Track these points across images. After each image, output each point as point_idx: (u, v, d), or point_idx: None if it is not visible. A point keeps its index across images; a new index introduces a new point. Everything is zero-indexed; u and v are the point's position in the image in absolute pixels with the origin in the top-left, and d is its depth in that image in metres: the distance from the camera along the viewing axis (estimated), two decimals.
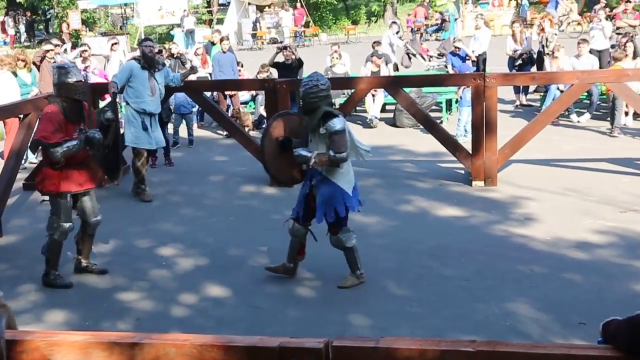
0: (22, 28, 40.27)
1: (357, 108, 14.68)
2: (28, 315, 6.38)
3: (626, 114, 13.63)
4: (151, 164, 11.56)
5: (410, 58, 18.69)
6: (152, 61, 9.80)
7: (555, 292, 6.45)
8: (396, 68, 17.33)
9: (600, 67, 15.38)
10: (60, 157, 6.72)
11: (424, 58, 19.01)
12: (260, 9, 37.97)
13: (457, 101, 14.48)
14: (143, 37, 31.44)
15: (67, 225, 7.02)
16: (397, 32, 19.61)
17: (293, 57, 13.93)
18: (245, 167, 11.24)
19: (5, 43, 35.29)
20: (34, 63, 13.17)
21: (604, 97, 14.44)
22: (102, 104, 11.68)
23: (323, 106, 6.44)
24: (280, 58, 14.06)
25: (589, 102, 14.17)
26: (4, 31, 38.44)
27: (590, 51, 15.85)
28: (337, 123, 6.35)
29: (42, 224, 9.03)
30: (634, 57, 13.65)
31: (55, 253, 7.08)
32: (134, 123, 9.74)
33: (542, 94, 15.00)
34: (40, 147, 6.88)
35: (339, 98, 14.54)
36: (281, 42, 29.87)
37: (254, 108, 15.44)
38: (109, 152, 7.22)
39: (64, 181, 6.88)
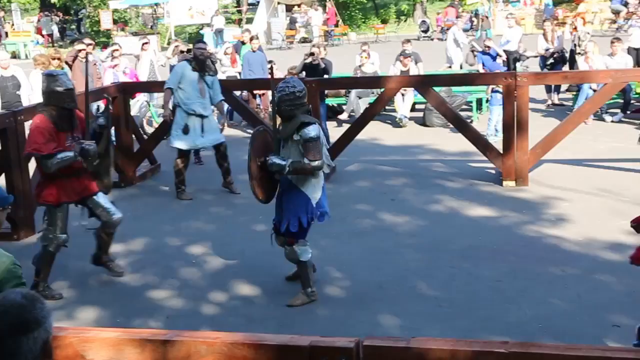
0: (54, 28, 40.68)
1: (386, 107, 14.63)
2: (60, 312, 6.45)
3: None
4: (195, 161, 11.64)
5: (475, 56, 18.20)
6: (204, 64, 9.76)
7: (588, 294, 6.38)
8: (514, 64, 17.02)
9: (639, 65, 15.19)
10: (54, 169, 6.56)
11: (520, 55, 18.41)
12: (289, 8, 38.03)
13: (487, 100, 14.38)
14: (173, 36, 31.74)
15: (62, 236, 6.88)
16: (425, 31, 19.29)
17: (319, 59, 13.90)
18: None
19: (38, 43, 35.67)
20: (66, 62, 13.30)
21: (638, 96, 14.27)
22: (132, 102, 11.79)
23: (299, 114, 6.24)
24: (307, 60, 14.09)
25: (622, 101, 14.00)
26: (39, 31, 38.87)
27: (628, 49, 15.69)
28: (312, 130, 6.17)
29: (74, 221, 9.15)
30: None
31: (47, 264, 6.91)
32: (179, 124, 9.72)
33: (574, 93, 14.84)
34: (34, 159, 6.73)
35: (368, 98, 14.53)
36: (311, 41, 29.85)
37: None
38: (100, 160, 6.89)
39: (63, 191, 6.73)
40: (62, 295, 6.94)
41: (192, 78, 9.69)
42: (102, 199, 6.98)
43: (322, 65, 13.16)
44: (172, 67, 13.49)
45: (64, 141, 6.62)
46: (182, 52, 14.51)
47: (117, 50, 14.83)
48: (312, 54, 13.25)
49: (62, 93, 6.61)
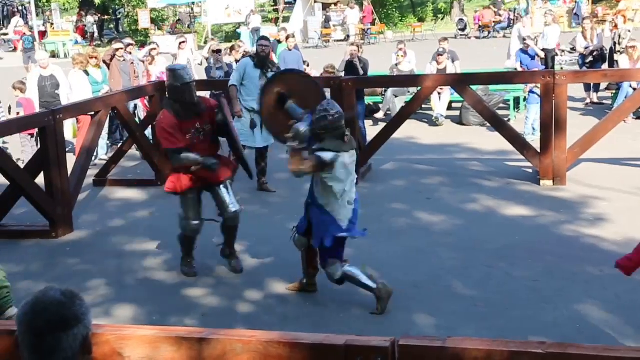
0: (94, 27, 41.17)
1: (423, 106, 14.57)
2: (97, 310, 6.51)
3: None
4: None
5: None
6: (265, 60, 9.81)
7: (626, 294, 6.29)
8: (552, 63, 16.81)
9: None
10: (177, 164, 6.98)
11: (556, 53, 18.18)
12: (326, 6, 38.03)
13: (525, 99, 14.25)
14: (210, 35, 31.91)
15: (194, 223, 7.18)
16: (463, 29, 19.05)
17: (358, 58, 13.86)
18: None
19: (77, 42, 36.11)
20: (104, 61, 13.46)
21: None
22: None
23: (328, 139, 6.02)
24: (346, 57, 14.06)
25: None
26: (79, 30, 39.36)
27: None
28: (326, 154, 5.98)
29: (112, 220, 9.28)
30: None
31: (185, 245, 7.34)
32: (242, 120, 9.75)
33: (613, 91, 14.64)
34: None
35: (404, 96, 14.47)
36: (347, 40, 29.77)
37: None
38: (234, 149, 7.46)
39: (186, 179, 7.02)
40: (196, 273, 7.27)
41: (254, 75, 9.73)
42: (224, 190, 7.21)
43: (360, 70, 13.13)
44: (208, 68, 13.58)
45: (186, 131, 6.91)
46: (245, 52, 14.62)
47: (154, 49, 14.96)
48: (351, 53, 13.21)
49: (179, 87, 6.91)
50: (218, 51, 13.26)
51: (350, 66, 12.99)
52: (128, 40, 15.48)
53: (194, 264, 7.36)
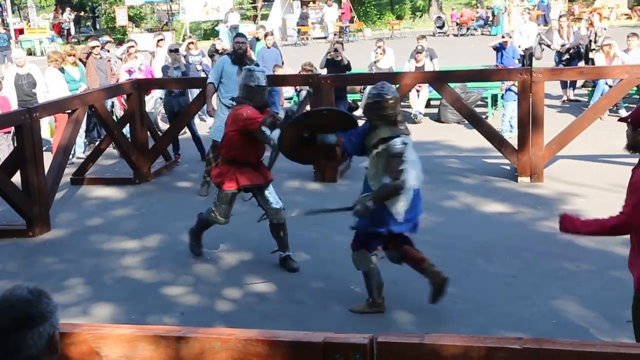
0: (70, 24, 40.90)
1: (402, 103, 14.59)
2: (75, 309, 6.49)
3: None
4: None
5: (542, 49, 17.62)
6: (242, 57, 9.82)
7: (602, 290, 6.35)
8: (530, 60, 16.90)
9: None
10: (279, 140, 6.67)
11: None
12: (304, 4, 38.02)
13: (502, 96, 14.33)
14: (188, 33, 31.79)
15: (221, 219, 7.38)
16: (441, 27, 19.17)
17: (339, 58, 13.88)
18: (289, 162, 11.24)
19: (53, 39, 35.82)
20: (80, 59, 13.37)
21: None
22: (146, 98, 11.82)
23: (383, 125, 5.74)
24: (329, 55, 14.08)
25: (639, 96, 13.91)
26: (55, 28, 39.07)
27: None
28: (394, 146, 5.64)
29: (90, 219, 9.23)
30: None
31: (203, 227, 7.57)
32: (220, 117, 9.75)
33: (590, 89, 14.77)
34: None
35: None
36: (325, 37, 29.78)
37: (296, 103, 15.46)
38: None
39: (234, 179, 7.18)
40: (201, 252, 7.57)
41: (232, 71, 9.75)
42: (269, 191, 7.37)
43: (345, 62, 13.14)
44: (165, 67, 13.49)
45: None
46: (223, 50, 14.60)
47: (132, 47, 14.88)
48: (335, 49, 13.21)
49: (253, 88, 7.08)
50: (175, 50, 13.15)
51: (333, 64, 12.99)
52: (105, 38, 15.39)
53: (200, 244, 7.65)
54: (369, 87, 5.93)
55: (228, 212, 7.36)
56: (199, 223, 7.58)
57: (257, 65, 10.20)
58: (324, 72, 13.44)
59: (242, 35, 10.67)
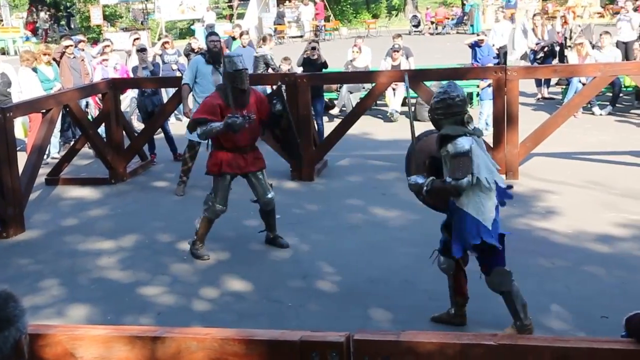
0: (47, 24, 40.55)
1: (378, 102, 14.64)
2: (50, 310, 6.44)
3: None
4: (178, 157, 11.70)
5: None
6: (217, 56, 9.77)
7: (577, 286, 6.41)
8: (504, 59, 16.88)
9: (627, 59, 15.26)
10: (202, 136, 7.31)
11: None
12: (280, 3, 37.97)
13: (477, 95, 14.40)
14: (164, 32, 31.64)
15: (218, 207, 7.48)
16: (417, 26, 19.17)
17: (315, 56, 13.87)
18: (267, 160, 11.23)
19: (27, 38, 35.51)
20: (54, 59, 13.27)
21: (627, 89, 14.33)
22: (121, 97, 11.76)
23: (447, 124, 5.42)
24: (306, 54, 14.06)
25: (611, 94, 14.05)
26: (29, 27, 38.72)
27: (617, 43, 15.74)
28: (456, 144, 5.30)
29: (65, 219, 9.16)
30: None
31: (203, 227, 7.56)
32: None
33: (564, 87, 14.89)
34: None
35: (359, 92, 14.53)
36: (301, 36, 29.74)
37: None
38: (284, 138, 7.79)
39: (226, 164, 7.34)
40: (209, 257, 7.50)
41: (206, 71, 9.72)
42: (261, 177, 7.60)
43: (322, 60, 13.14)
44: (134, 68, 13.40)
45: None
46: (199, 49, 14.55)
47: (108, 46, 14.80)
48: (313, 48, 13.20)
49: (231, 73, 7.24)
50: (143, 50, 13.07)
51: (310, 62, 12.98)
52: (79, 37, 15.27)
53: (204, 248, 7.59)
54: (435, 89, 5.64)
55: (225, 197, 7.47)
56: (198, 226, 7.56)
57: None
58: (300, 70, 13.43)
59: (215, 33, 10.64)
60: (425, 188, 5.45)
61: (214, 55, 9.75)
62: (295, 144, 7.89)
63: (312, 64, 12.89)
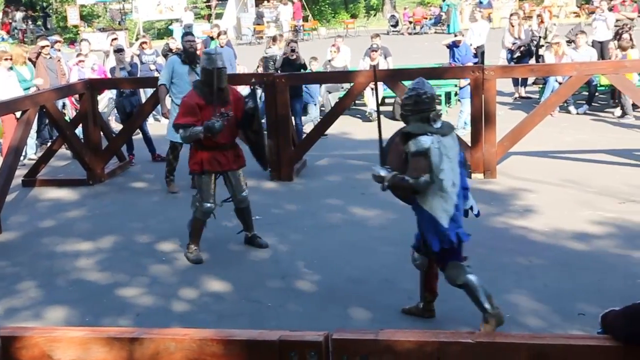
0: (24, 24, 40.19)
1: (356, 102, 14.66)
2: (28, 312, 6.39)
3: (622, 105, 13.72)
4: (157, 158, 11.67)
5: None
6: (194, 56, 9.77)
7: (554, 283, 6.46)
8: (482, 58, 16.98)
9: (602, 58, 15.39)
10: (186, 140, 7.33)
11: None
12: (258, 3, 37.91)
13: (456, 94, 14.48)
14: (142, 32, 31.49)
15: (206, 205, 7.39)
16: (395, 25, 19.23)
17: (296, 56, 13.86)
18: (246, 160, 11.23)
19: (3, 39, 35.18)
20: (29, 59, 13.17)
21: (602, 88, 14.46)
22: (98, 98, 11.70)
23: (413, 121, 5.46)
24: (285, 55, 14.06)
25: (587, 93, 14.17)
26: (4, 27, 38.37)
27: (592, 42, 15.88)
28: (417, 143, 5.33)
29: (42, 221, 9.10)
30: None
31: (195, 229, 7.49)
32: (175, 117, 9.70)
33: (540, 86, 15.00)
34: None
35: (338, 92, 14.54)
36: (281, 35, 29.64)
37: None
38: (255, 140, 7.65)
39: (207, 162, 7.31)
40: (203, 260, 7.39)
41: (182, 71, 9.69)
42: (240, 176, 7.57)
43: (301, 61, 13.14)
44: (112, 69, 13.34)
45: (209, 116, 7.11)
46: (177, 49, 14.50)
47: (84, 50, 14.71)
48: (292, 50, 13.18)
49: (210, 71, 7.17)
50: (120, 50, 13.01)
51: (289, 63, 12.97)
52: (55, 37, 15.17)
53: (199, 251, 7.50)
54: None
55: (212, 195, 7.41)
56: (189, 228, 7.49)
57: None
58: (341, 64, 13.65)
59: (191, 33, 10.63)
60: (385, 183, 5.47)
61: (190, 55, 9.73)
62: (263, 147, 7.77)
63: (291, 64, 12.89)
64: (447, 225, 5.47)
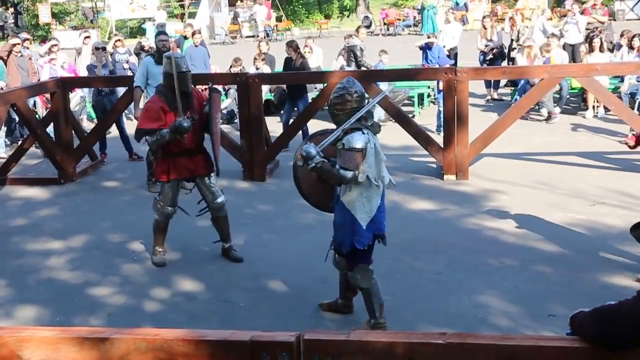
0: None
1: None
2: None
3: (595, 108, 13.87)
4: (134, 157, 11.62)
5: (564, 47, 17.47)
6: None
7: (525, 285, 6.52)
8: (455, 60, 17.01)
9: (574, 61, 15.54)
10: (152, 145, 7.17)
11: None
12: (232, 3, 37.81)
13: (429, 95, 14.56)
14: (114, 31, 31.28)
15: (168, 209, 7.34)
16: (368, 26, 19.23)
17: (293, 55, 13.82)
18: (218, 160, 11.20)
19: None
20: (0, 57, 13.03)
21: (574, 91, 14.60)
22: (70, 96, 11.61)
23: (342, 120, 5.47)
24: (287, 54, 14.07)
25: (558, 96, 14.31)
26: None
27: (564, 45, 16.03)
28: (352, 139, 5.36)
29: (13, 219, 9.01)
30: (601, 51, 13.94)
31: (157, 231, 7.42)
32: None
33: (512, 88, 15.11)
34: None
35: (311, 92, 14.53)
36: (267, 35, 29.59)
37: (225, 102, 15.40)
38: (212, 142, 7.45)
39: (174, 169, 7.18)
40: (166, 263, 7.32)
41: (157, 71, 9.60)
42: (209, 182, 7.37)
43: (299, 63, 13.05)
44: (91, 66, 13.25)
45: (174, 120, 6.96)
46: (150, 48, 14.43)
47: (55, 45, 14.59)
48: (298, 50, 13.02)
49: (171, 75, 6.99)
50: (102, 48, 12.92)
51: (286, 63, 12.90)
52: (24, 35, 15.02)
53: (165, 254, 7.42)
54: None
55: (173, 199, 7.32)
56: (154, 231, 7.42)
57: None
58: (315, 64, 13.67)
59: (164, 33, 10.59)
60: (314, 163, 5.38)
61: (163, 55, 9.66)
62: (213, 152, 7.39)
63: (288, 64, 12.83)
64: (365, 227, 5.51)
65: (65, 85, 11.07)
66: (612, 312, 2.58)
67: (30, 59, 13.62)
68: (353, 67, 13.57)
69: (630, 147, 7.07)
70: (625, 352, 2.53)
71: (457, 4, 33.68)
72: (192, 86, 7.34)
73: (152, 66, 9.69)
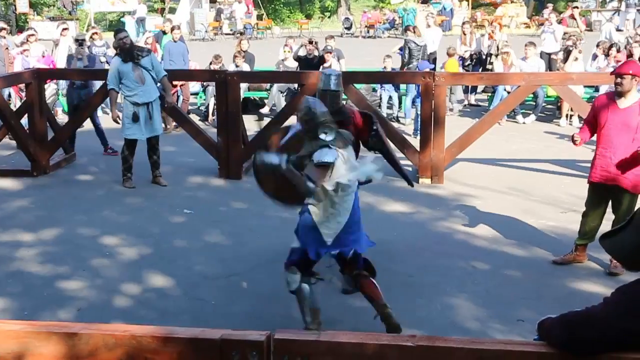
0: None
1: None
2: None
3: (569, 116, 13.99)
4: (110, 152, 11.57)
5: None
6: (131, 51, 9.61)
7: (495, 289, 6.56)
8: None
9: (550, 70, 15.67)
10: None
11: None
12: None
13: (413, 100, 14.60)
14: (93, 23, 31.07)
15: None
16: (349, 28, 19.40)
17: (316, 52, 13.81)
18: (194, 158, 11.18)
19: None
20: None
21: (550, 99, 14.73)
22: (46, 86, 11.50)
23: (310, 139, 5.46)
24: (302, 52, 14.03)
25: (534, 103, 14.42)
26: None
27: (541, 54, 16.16)
28: (321, 154, 5.38)
29: None
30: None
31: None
32: (127, 114, 9.64)
33: (489, 94, 15.21)
34: None
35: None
36: (241, 34, 29.54)
37: (204, 99, 15.36)
38: None
39: None
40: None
41: (127, 70, 9.55)
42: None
43: (317, 60, 13.02)
44: (69, 57, 13.15)
45: None
46: None
47: (32, 35, 14.45)
48: (310, 41, 12.95)
49: (319, 91, 6.51)
50: (81, 41, 12.82)
51: (305, 61, 12.87)
52: (0, 24, 14.87)
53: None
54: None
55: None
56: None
57: (148, 51, 10.07)
58: (295, 64, 13.56)
59: (121, 30, 10.46)
60: (284, 164, 5.32)
61: (127, 52, 9.58)
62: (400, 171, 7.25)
63: (308, 62, 12.79)
64: (306, 237, 5.62)
65: (41, 76, 10.97)
66: (579, 318, 2.61)
67: (7, 49, 13.49)
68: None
69: (575, 142, 6.98)
70: (591, 358, 2.57)
71: (444, 8, 33.86)
72: (351, 107, 7.00)
73: (121, 66, 9.58)
